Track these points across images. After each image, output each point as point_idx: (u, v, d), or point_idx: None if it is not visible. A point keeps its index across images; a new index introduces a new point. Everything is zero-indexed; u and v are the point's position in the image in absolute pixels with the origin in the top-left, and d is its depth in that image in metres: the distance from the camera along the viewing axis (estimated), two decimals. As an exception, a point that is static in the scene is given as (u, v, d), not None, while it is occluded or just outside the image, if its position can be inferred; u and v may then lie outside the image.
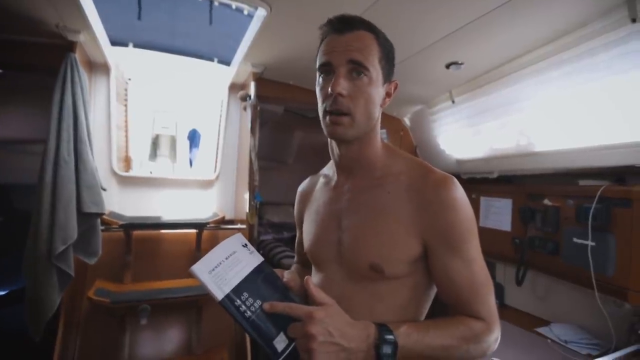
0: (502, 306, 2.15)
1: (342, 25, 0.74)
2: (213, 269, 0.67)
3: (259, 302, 0.66)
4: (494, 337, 0.73)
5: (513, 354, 1.51)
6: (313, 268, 0.90)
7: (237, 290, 0.66)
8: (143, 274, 2.16)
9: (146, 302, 1.95)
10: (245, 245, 0.75)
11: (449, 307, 0.76)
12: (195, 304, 2.16)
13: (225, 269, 0.68)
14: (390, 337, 0.64)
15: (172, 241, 2.30)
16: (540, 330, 1.73)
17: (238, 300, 0.65)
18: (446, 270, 0.72)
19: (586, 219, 1.54)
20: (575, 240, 1.60)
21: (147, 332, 2.14)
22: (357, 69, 0.72)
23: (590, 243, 1.53)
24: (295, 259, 1.12)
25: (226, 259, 0.70)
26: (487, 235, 2.19)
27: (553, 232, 1.76)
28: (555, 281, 1.86)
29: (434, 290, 0.81)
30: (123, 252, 2.12)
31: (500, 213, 2.13)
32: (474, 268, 0.72)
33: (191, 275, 0.65)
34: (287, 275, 0.77)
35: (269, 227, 3.59)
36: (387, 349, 0.63)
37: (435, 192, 0.71)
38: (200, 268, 0.66)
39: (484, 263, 0.75)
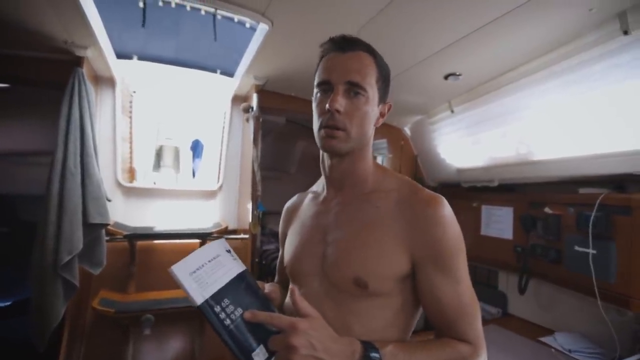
0: (506, 315, 2.14)
1: (344, 43, 0.77)
2: (194, 271, 0.63)
3: (239, 310, 0.62)
4: None
5: (516, 363, 1.51)
6: (291, 285, 0.84)
7: (218, 295, 0.62)
8: (147, 284, 2.16)
9: (150, 312, 1.96)
10: (229, 251, 0.71)
11: (435, 329, 0.76)
12: (199, 314, 2.16)
13: (208, 272, 0.64)
14: (376, 355, 0.62)
15: (175, 251, 2.30)
16: (544, 339, 1.72)
17: (218, 307, 0.61)
18: (432, 289, 0.71)
19: (587, 226, 1.55)
20: (576, 248, 1.61)
21: (150, 342, 2.14)
22: (355, 89, 0.74)
23: (591, 251, 1.53)
24: (276, 278, 1.06)
25: (209, 262, 0.66)
26: (489, 244, 2.19)
27: (554, 240, 1.77)
28: (558, 289, 1.86)
29: (416, 317, 0.80)
30: (127, 262, 2.13)
31: (501, 221, 2.13)
32: (461, 287, 0.72)
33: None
34: (268, 287, 0.76)
35: (271, 236, 3.60)
36: None
37: (424, 208, 0.72)
38: (181, 269, 0.61)
39: (470, 284, 0.74)
